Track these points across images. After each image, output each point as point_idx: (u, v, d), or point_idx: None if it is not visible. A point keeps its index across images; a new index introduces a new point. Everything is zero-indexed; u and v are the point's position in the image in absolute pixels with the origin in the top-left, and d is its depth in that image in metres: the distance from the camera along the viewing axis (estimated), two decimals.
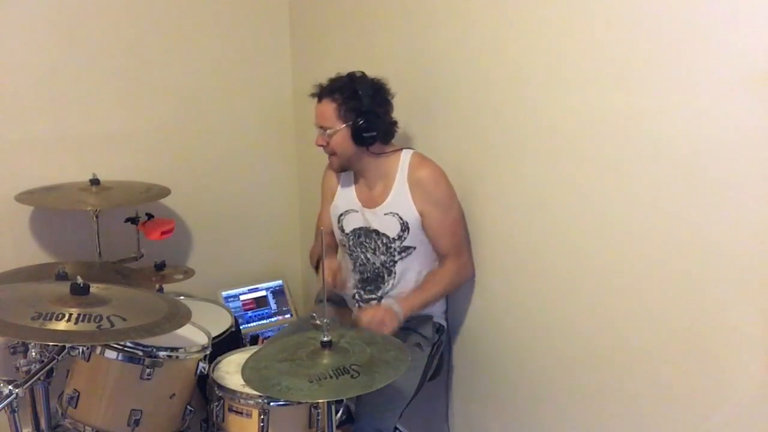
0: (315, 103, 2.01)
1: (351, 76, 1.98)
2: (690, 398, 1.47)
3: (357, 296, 2.12)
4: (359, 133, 1.95)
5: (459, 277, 2.03)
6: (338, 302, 2.20)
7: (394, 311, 1.90)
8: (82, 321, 1.56)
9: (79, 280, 1.68)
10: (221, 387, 1.80)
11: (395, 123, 2.04)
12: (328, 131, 1.98)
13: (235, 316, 2.36)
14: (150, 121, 2.67)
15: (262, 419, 1.74)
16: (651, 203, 1.48)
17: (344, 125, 1.96)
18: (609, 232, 1.60)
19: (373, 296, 2.08)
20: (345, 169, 2.07)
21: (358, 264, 2.10)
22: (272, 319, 2.96)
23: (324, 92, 1.98)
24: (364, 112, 1.94)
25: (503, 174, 1.90)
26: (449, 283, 2.02)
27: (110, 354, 1.73)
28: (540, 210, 1.79)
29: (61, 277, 2.08)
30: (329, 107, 1.96)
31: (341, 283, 2.07)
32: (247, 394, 1.74)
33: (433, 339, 2.06)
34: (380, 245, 2.03)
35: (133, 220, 2.49)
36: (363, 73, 1.99)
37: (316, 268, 2.10)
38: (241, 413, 1.77)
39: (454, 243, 2.00)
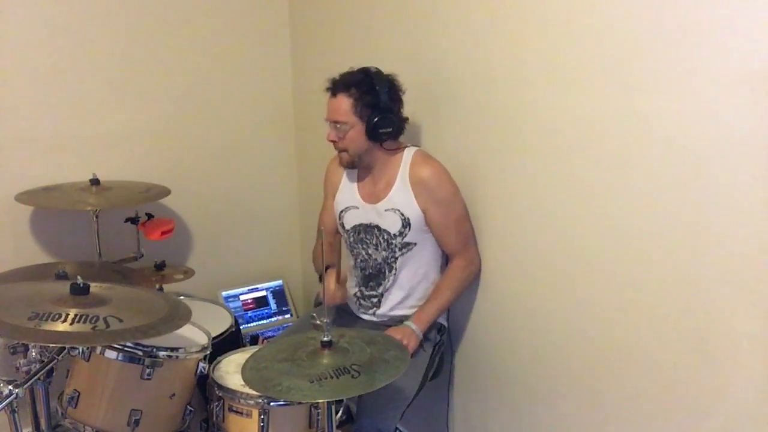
0: (328, 97, 1.96)
1: (366, 72, 1.94)
2: (690, 398, 1.47)
3: (358, 293, 2.12)
4: (375, 129, 1.91)
5: (468, 273, 2.02)
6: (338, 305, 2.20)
7: (413, 331, 1.93)
8: (78, 322, 1.55)
9: (79, 279, 1.67)
10: (221, 387, 1.80)
11: (406, 119, 2.01)
12: (343, 126, 1.94)
13: (235, 316, 2.36)
14: (150, 121, 2.67)
15: (262, 419, 1.74)
16: (652, 202, 1.48)
17: (359, 121, 1.93)
18: (610, 232, 1.60)
19: (374, 293, 2.08)
20: (354, 165, 2.04)
21: (359, 260, 2.10)
22: (272, 319, 2.96)
23: (339, 86, 1.93)
24: (380, 108, 1.92)
25: (505, 174, 1.89)
26: (459, 284, 2.01)
27: (110, 354, 1.73)
28: (542, 210, 1.79)
29: (61, 277, 2.07)
30: (345, 102, 1.91)
31: (341, 298, 2.08)
32: (247, 394, 1.74)
33: (435, 339, 2.06)
34: (381, 241, 2.02)
35: (133, 220, 2.49)
36: (377, 69, 1.96)
37: (320, 277, 2.09)
38: (241, 413, 1.77)
39: (460, 239, 2.00)
